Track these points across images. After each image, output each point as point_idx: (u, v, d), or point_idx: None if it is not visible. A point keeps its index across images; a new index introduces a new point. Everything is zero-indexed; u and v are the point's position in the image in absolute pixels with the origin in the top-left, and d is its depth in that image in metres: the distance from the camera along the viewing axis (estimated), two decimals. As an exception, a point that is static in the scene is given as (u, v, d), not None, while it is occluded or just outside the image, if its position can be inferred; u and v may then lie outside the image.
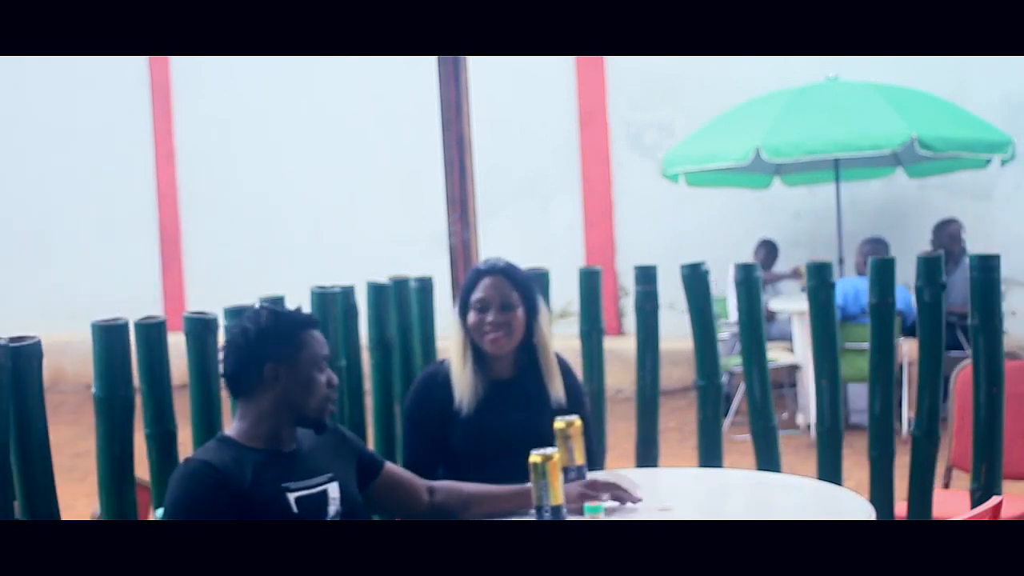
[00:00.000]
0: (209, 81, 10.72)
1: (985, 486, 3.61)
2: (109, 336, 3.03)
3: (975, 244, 7.57)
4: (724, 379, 6.35)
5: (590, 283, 4.08)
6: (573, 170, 9.74)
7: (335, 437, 2.85)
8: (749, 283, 3.87)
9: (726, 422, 7.21)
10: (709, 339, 3.92)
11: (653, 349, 4.03)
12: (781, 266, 8.68)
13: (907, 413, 6.86)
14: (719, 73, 8.93)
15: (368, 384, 3.93)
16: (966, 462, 3.85)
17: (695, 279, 3.92)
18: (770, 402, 3.92)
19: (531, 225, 9.81)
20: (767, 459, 3.89)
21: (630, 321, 9.30)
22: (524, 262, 4.30)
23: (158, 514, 2.82)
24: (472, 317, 3.17)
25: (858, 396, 7.19)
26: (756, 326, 3.89)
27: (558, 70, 9.63)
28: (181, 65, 10.78)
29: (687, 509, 2.81)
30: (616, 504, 2.81)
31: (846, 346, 6.55)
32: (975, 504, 3.57)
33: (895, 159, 8.14)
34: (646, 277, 4.02)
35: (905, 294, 6.58)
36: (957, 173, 8.34)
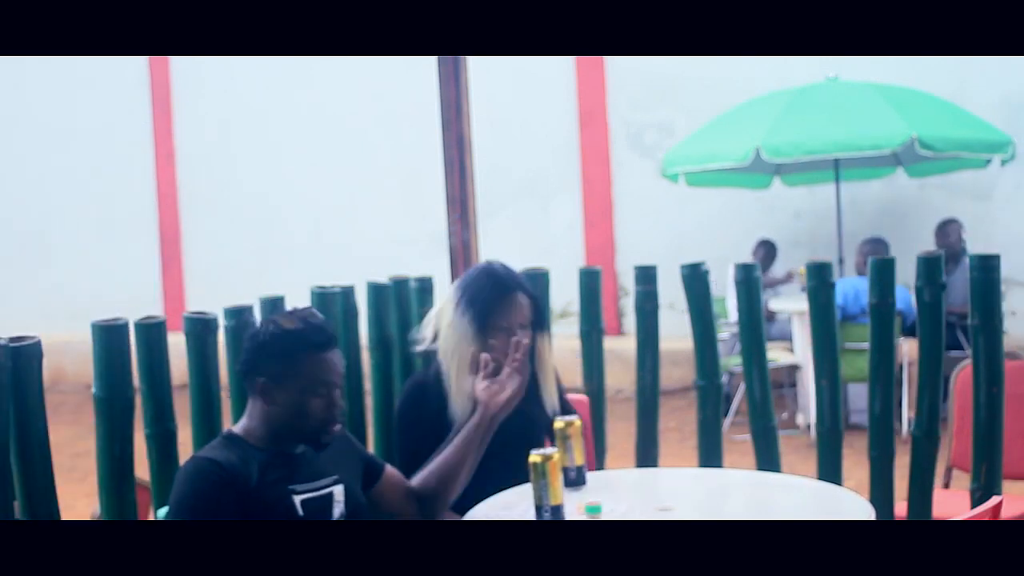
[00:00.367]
0: (209, 81, 10.72)
1: (985, 486, 3.60)
2: (109, 336, 3.03)
3: (975, 244, 7.57)
4: (724, 379, 6.35)
5: (590, 283, 4.08)
6: (573, 170, 9.74)
7: (342, 440, 2.84)
8: (749, 283, 3.87)
9: (726, 422, 7.21)
10: (709, 339, 3.92)
11: (653, 349, 4.03)
12: (780, 266, 8.68)
13: (907, 413, 6.85)
14: (719, 73, 8.93)
15: (368, 384, 3.93)
16: (966, 462, 3.85)
17: (695, 279, 3.92)
18: (770, 402, 3.92)
19: (531, 225, 9.81)
20: (767, 459, 3.89)
21: (630, 321, 9.30)
22: (524, 262, 4.31)
23: (159, 514, 2.82)
24: (499, 339, 3.08)
25: (858, 396, 7.19)
26: (756, 326, 3.89)
27: (558, 70, 9.63)
28: (181, 65, 10.78)
29: (687, 509, 2.81)
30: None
31: (846, 346, 6.55)
32: (975, 504, 3.57)
33: (895, 159, 8.14)
34: (646, 277, 4.02)
35: (905, 294, 6.58)
36: (957, 173, 8.34)
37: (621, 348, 7.97)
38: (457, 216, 4.10)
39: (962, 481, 3.96)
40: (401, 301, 3.94)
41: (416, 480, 2.95)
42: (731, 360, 7.06)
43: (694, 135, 8.04)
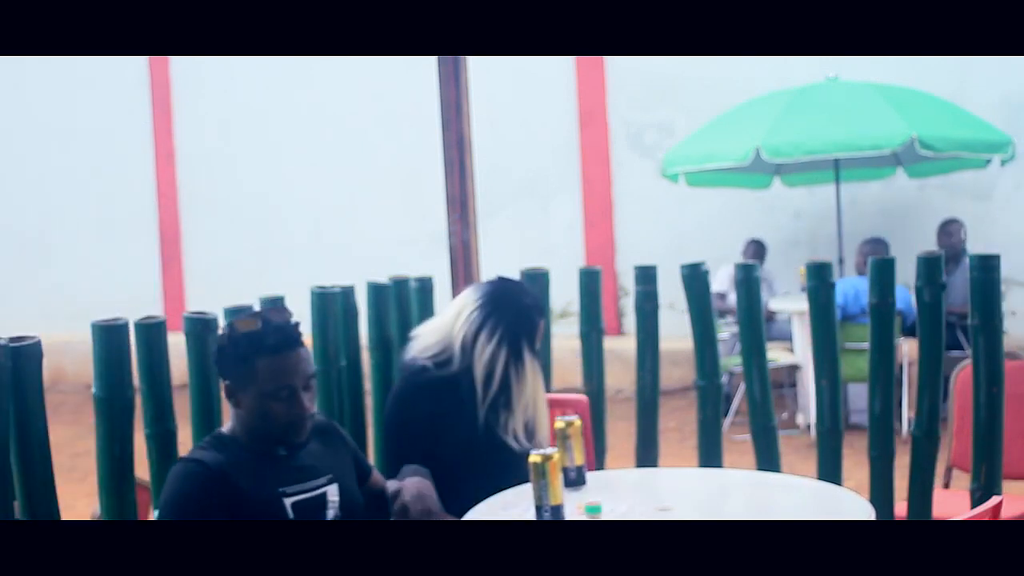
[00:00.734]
0: (209, 81, 10.72)
1: (985, 486, 3.60)
2: (109, 336, 3.03)
3: (975, 244, 7.57)
4: (724, 379, 6.36)
5: (590, 283, 4.08)
6: (573, 170, 9.74)
7: (335, 435, 2.84)
8: (749, 283, 3.87)
9: (726, 422, 7.20)
10: (709, 339, 3.92)
11: (653, 349, 4.03)
12: (776, 266, 8.68)
13: (907, 413, 6.85)
14: (719, 73, 8.93)
15: (368, 384, 3.93)
16: (966, 462, 3.85)
17: (695, 279, 3.92)
18: (770, 402, 3.92)
19: (531, 225, 9.81)
20: (767, 459, 3.89)
21: (630, 321, 9.30)
22: (524, 262, 4.32)
23: (158, 514, 2.82)
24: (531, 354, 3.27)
25: (858, 396, 7.19)
26: (756, 326, 3.89)
27: (558, 70, 9.63)
28: (181, 65, 10.78)
29: (687, 509, 2.81)
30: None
31: (846, 346, 6.55)
32: (975, 504, 3.57)
33: (895, 159, 8.14)
34: (646, 277, 4.02)
35: (905, 294, 6.58)
36: (957, 173, 8.34)
37: (621, 348, 7.97)
38: (457, 216, 4.09)
39: (962, 481, 3.96)
40: (401, 301, 3.94)
41: (391, 485, 3.00)
42: (731, 360, 7.06)
43: (694, 135, 8.04)
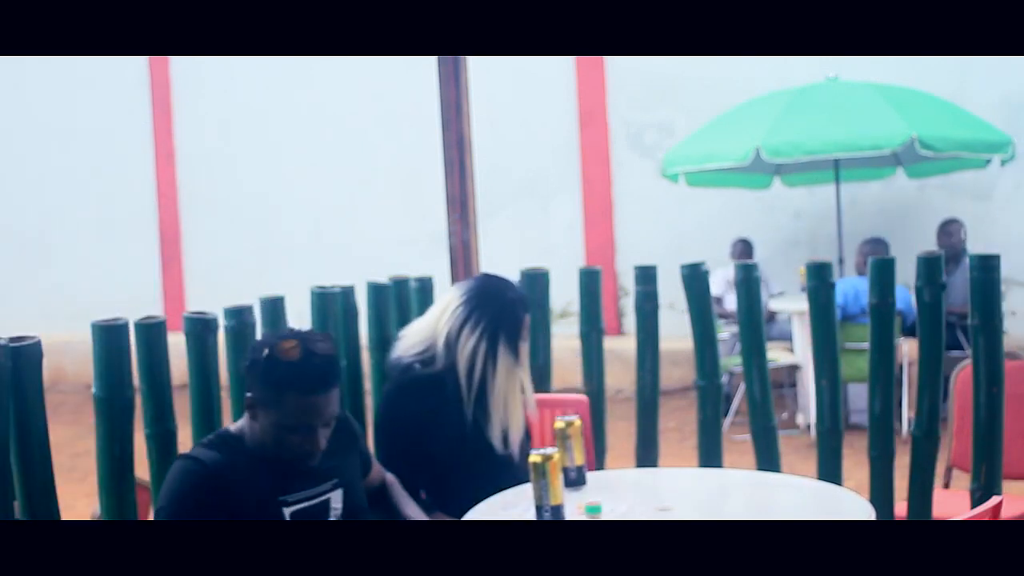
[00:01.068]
0: (209, 81, 10.72)
1: (985, 486, 3.60)
2: (109, 336, 3.03)
3: (975, 244, 7.57)
4: (724, 379, 6.36)
5: (590, 283, 4.08)
6: (573, 170, 9.74)
7: (346, 431, 2.78)
8: (749, 283, 3.87)
9: (726, 422, 7.20)
10: (709, 339, 3.92)
11: (653, 349, 4.03)
12: (774, 265, 8.67)
13: (907, 413, 6.85)
14: (719, 73, 8.93)
15: (368, 384, 3.93)
16: (966, 462, 3.85)
17: (695, 279, 3.92)
18: (770, 402, 3.92)
19: (531, 225, 9.81)
20: (767, 459, 3.89)
21: (630, 321, 9.30)
22: (524, 262, 4.32)
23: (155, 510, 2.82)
24: (523, 348, 3.26)
25: (858, 396, 7.19)
26: (756, 326, 3.89)
27: (558, 70, 9.63)
28: (181, 65, 10.78)
29: (687, 509, 2.81)
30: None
31: (846, 346, 6.55)
32: (975, 504, 3.57)
33: (895, 159, 8.13)
34: (646, 277, 4.02)
35: (905, 294, 6.58)
36: (957, 173, 8.33)
37: (621, 348, 7.97)
38: (457, 216, 4.10)
39: (962, 481, 3.96)
40: (401, 301, 3.94)
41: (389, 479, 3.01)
42: (731, 360, 7.06)
43: (694, 135, 8.04)
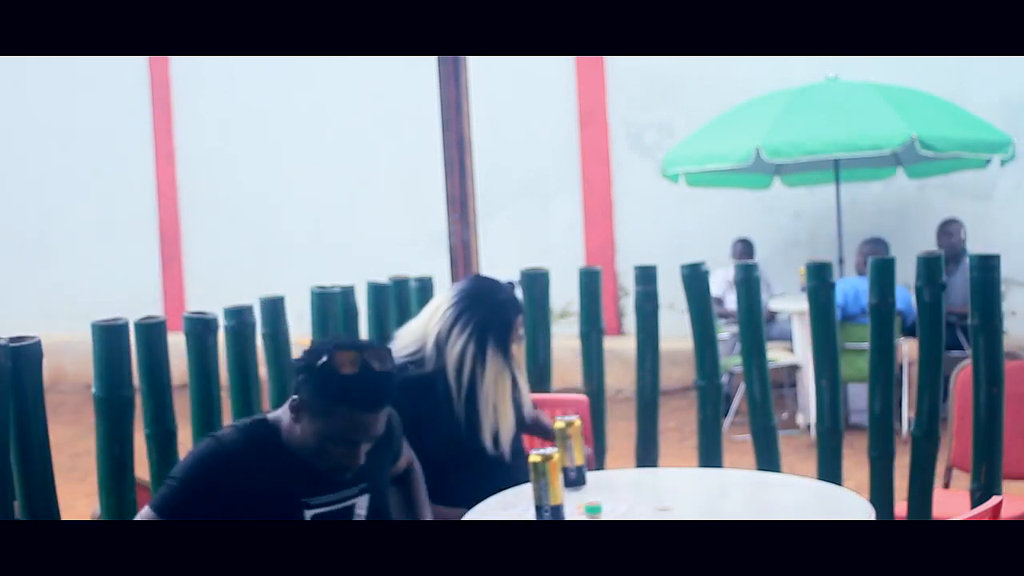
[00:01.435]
0: (209, 81, 10.72)
1: (985, 486, 3.61)
2: (109, 336, 3.03)
3: (975, 244, 7.57)
4: (724, 379, 6.36)
5: (590, 283, 4.08)
6: (573, 170, 9.74)
7: (388, 430, 2.68)
8: (749, 283, 3.87)
9: (726, 422, 7.20)
10: (709, 339, 3.92)
11: (653, 349, 4.03)
12: (776, 266, 8.67)
13: (907, 413, 6.85)
14: (719, 73, 8.93)
15: (368, 384, 3.92)
16: (966, 462, 3.85)
17: (695, 279, 3.92)
18: (770, 402, 3.93)
19: (531, 225, 9.81)
20: (767, 459, 3.89)
21: (630, 321, 9.30)
22: (524, 262, 4.31)
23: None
24: (516, 349, 3.27)
25: (858, 396, 7.19)
26: (756, 326, 3.89)
27: (558, 70, 9.63)
28: (181, 65, 10.78)
29: (687, 509, 2.81)
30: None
31: (846, 346, 6.55)
32: (975, 504, 3.57)
33: (895, 159, 8.13)
34: (646, 277, 4.02)
35: (905, 294, 6.58)
36: (957, 173, 8.33)
37: (621, 348, 7.97)
38: (457, 216, 4.10)
39: (962, 481, 3.96)
40: (401, 301, 3.94)
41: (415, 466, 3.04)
42: (731, 360, 7.06)
43: (694, 135, 8.04)
